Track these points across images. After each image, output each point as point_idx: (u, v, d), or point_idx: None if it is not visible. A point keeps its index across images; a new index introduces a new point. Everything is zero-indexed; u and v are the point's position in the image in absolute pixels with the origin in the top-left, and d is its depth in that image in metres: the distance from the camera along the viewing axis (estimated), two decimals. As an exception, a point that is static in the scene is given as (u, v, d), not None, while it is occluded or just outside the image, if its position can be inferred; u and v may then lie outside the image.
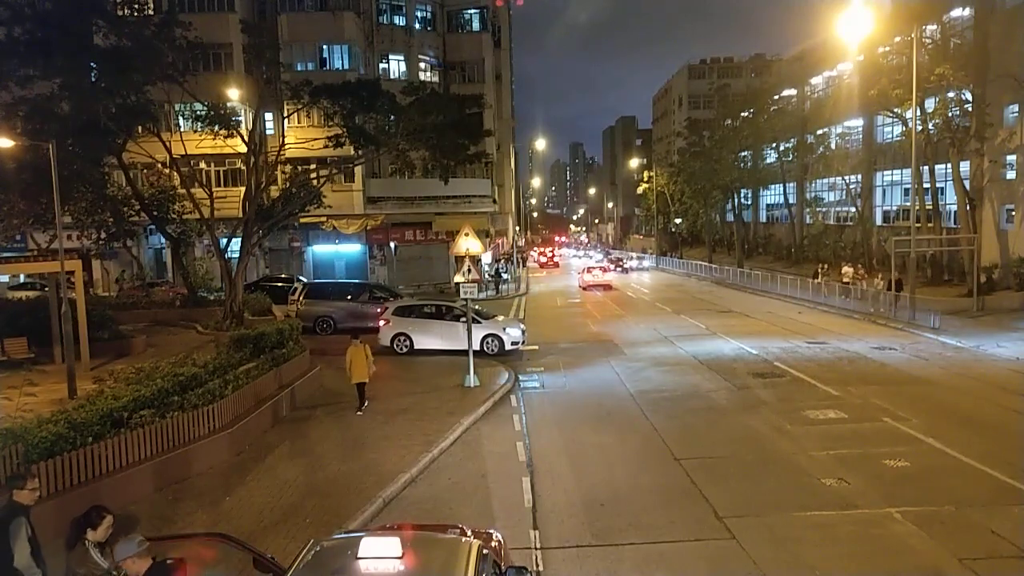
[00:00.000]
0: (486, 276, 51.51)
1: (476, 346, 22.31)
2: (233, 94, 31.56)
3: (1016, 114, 33.62)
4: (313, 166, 36.20)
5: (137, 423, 10.97)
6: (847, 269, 36.32)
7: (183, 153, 28.50)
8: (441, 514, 10.26)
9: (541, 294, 48.53)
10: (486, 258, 55.17)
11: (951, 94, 34.93)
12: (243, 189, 28.07)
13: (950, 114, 34.66)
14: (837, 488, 10.96)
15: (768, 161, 63.35)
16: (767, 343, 24.58)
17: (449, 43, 47.67)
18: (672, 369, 20.84)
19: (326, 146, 25.36)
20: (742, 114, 63.73)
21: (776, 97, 60.94)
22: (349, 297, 28.88)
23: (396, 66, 45.80)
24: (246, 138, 26.30)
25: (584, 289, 48.95)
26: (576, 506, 10.70)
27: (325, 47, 41.63)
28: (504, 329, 23.11)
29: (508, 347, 22.52)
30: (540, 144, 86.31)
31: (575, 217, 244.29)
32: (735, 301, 39.16)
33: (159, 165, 33.08)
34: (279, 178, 32.84)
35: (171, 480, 11.09)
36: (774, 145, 59.57)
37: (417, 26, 46.70)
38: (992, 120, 33.83)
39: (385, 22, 45.10)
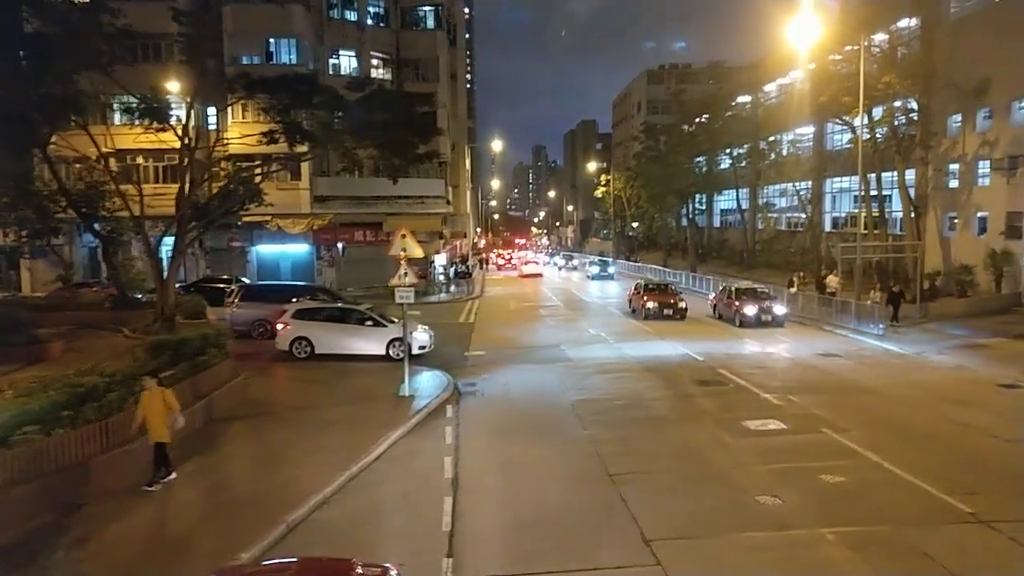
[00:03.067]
0: (439, 279, 50.87)
1: (381, 351, 21.72)
2: (169, 86, 30.28)
3: (959, 124, 34.06)
4: (259, 163, 35.14)
5: (19, 441, 10.01)
6: (832, 278, 33.19)
7: (116, 148, 27.26)
8: (349, 541, 9.54)
9: (496, 297, 47.91)
10: (440, 260, 54.40)
11: (898, 103, 35.28)
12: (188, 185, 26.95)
13: (896, 123, 34.98)
14: (772, 507, 10.51)
15: (723, 167, 63.74)
16: (714, 348, 24.30)
17: (403, 40, 46.78)
18: (617, 376, 20.38)
19: (260, 142, 24.29)
20: (697, 120, 64.04)
21: (733, 103, 61.38)
22: (291, 300, 27.79)
23: (347, 62, 44.75)
24: (179, 132, 25.18)
25: (522, 277, 62.07)
26: (498, 529, 10.07)
27: (272, 41, 40.41)
28: (410, 334, 22.34)
29: (415, 351, 21.77)
30: (497, 145, 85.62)
31: (536, 220, 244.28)
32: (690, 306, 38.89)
33: (93, 159, 31.67)
34: (221, 175, 31.69)
35: (55, 505, 10.13)
36: (728, 151, 59.94)
37: (369, 22, 45.74)
38: (936, 129, 34.27)
39: (336, 17, 44.04)
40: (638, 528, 9.86)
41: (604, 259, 68.08)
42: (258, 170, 30.87)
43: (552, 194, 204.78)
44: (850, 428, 14.33)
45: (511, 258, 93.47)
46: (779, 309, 28.89)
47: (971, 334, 25.12)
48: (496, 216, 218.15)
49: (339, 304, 24.95)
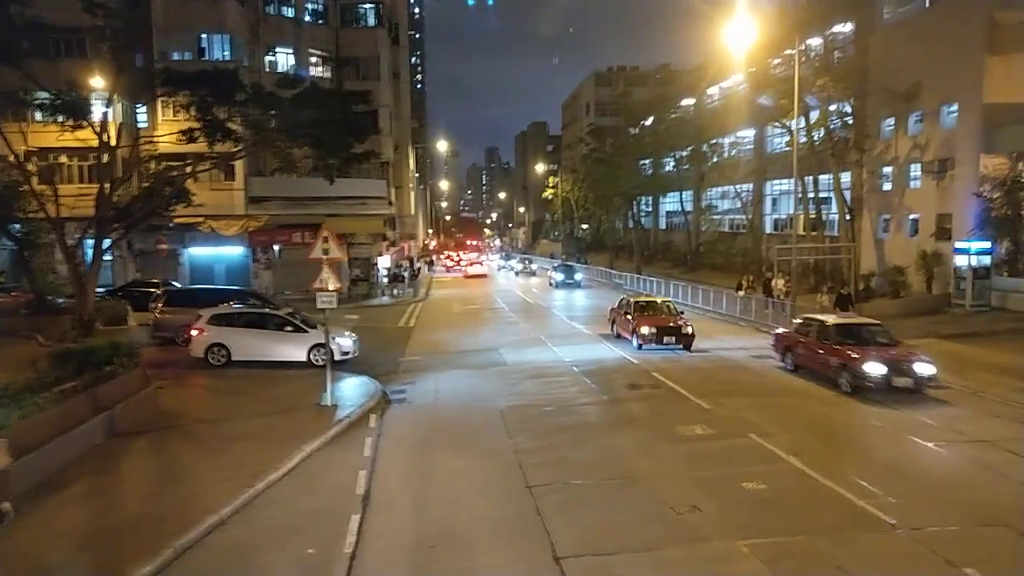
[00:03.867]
0: (383, 281, 49.99)
1: (302, 357, 21.00)
2: (92, 82, 28.92)
3: (892, 127, 34.69)
4: (189, 162, 33.94)
5: None
6: (778, 281, 32.49)
7: (37, 147, 25.91)
8: (243, 566, 8.92)
9: (441, 300, 47.32)
10: (384, 262, 53.51)
11: (833, 107, 35.83)
12: (108, 186, 25.76)
13: (831, 126, 35.50)
14: (690, 518, 10.20)
15: (667, 169, 64.22)
16: (652, 353, 24.14)
17: (342, 38, 45.83)
18: (551, 381, 20.00)
19: (179, 140, 23.32)
20: (643, 122, 64.37)
21: (677, 106, 61.89)
22: (220, 305, 26.79)
23: (284, 59, 43.66)
24: (97, 129, 24.05)
25: (466, 278, 62.39)
26: (404, 549, 9.53)
27: (204, 36, 39.11)
28: (333, 339, 21.67)
29: (338, 357, 21.12)
30: (443, 146, 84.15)
31: (488, 221, 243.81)
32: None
33: (9, 159, 30.11)
34: (147, 174, 30.45)
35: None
36: (673, 153, 60.39)
37: (308, 19, 44.70)
38: (870, 132, 34.86)
39: (272, 13, 42.91)
40: (550, 544, 9.44)
41: (569, 264, 58.56)
42: (189, 168, 29.84)
43: (502, 195, 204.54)
44: (776, 432, 14.18)
45: (460, 260, 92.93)
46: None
47: (902, 334, 25.32)
48: (448, 217, 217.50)
49: (258, 308, 23.96)
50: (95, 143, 26.63)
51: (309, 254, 17.98)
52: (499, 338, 28.35)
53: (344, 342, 21.93)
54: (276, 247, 41.80)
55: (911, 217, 33.45)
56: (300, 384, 19.03)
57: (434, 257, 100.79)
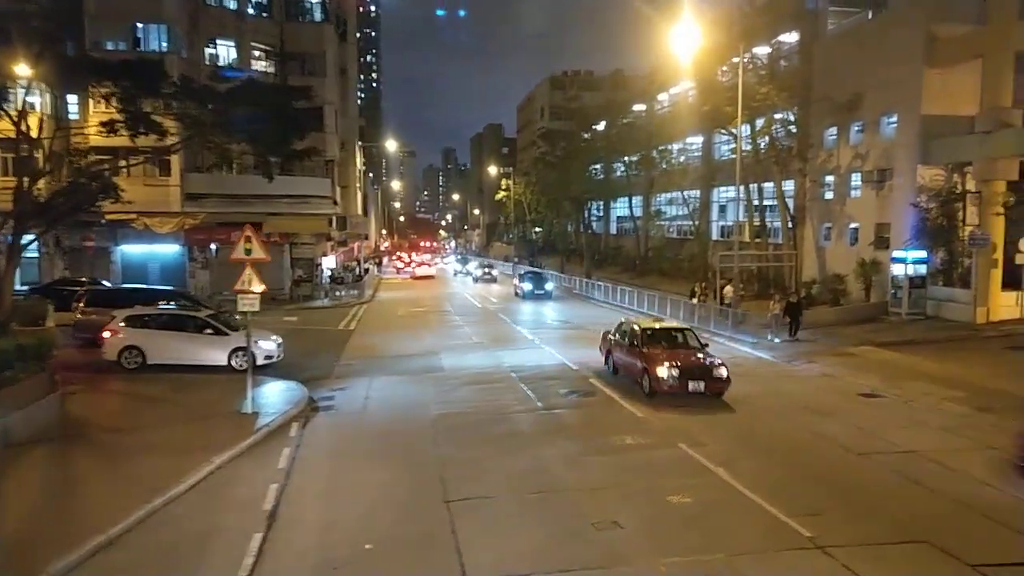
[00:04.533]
0: (326, 282, 48.92)
1: (222, 361, 20.20)
2: (11, 70, 27.47)
3: (835, 137, 35.12)
4: (121, 155, 32.60)
5: None
6: (728, 289, 31.68)
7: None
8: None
9: (386, 302, 46.51)
10: (329, 263, 52.44)
11: (779, 115, 36.14)
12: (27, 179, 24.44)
13: (776, 134, 35.79)
14: (610, 536, 9.79)
15: (618, 174, 64.38)
16: (592, 358, 23.72)
17: (288, 32, 44.66)
18: (487, 387, 19.52)
19: (100, 133, 22.25)
20: (595, 127, 64.45)
21: (629, 112, 62.11)
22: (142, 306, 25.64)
23: (226, 53, 42.34)
24: (15, 119, 22.79)
25: (414, 279, 62.11)
26: (304, 572, 8.92)
27: (140, 26, 37.70)
28: (256, 342, 20.87)
29: (261, 361, 20.37)
30: (392, 145, 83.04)
31: (444, 223, 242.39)
32: (576, 311, 38.61)
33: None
34: (73, 167, 29.10)
35: None
36: (623, 158, 60.55)
37: (251, 11, 43.45)
38: (814, 141, 35.22)
39: (214, 4, 41.54)
40: (460, 566, 8.93)
41: (539, 272, 50.67)
42: (122, 162, 28.59)
43: (457, 197, 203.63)
44: (707, 442, 13.91)
45: (411, 261, 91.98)
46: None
47: (840, 342, 25.61)
48: (402, 218, 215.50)
49: (178, 309, 22.89)
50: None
51: (231, 254, 17.18)
52: (439, 341, 27.79)
53: (267, 345, 21.13)
54: (214, 246, 40.46)
55: (851, 226, 33.87)
56: (220, 390, 18.18)
57: (386, 258, 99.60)
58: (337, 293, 45.81)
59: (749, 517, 10.41)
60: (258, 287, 16.78)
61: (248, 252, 16.87)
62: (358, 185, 58.53)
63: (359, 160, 58.05)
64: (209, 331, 20.73)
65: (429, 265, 74.26)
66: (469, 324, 33.42)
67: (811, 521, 10.04)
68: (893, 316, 28.43)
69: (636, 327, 19.46)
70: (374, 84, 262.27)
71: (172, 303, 25.52)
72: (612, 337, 20.73)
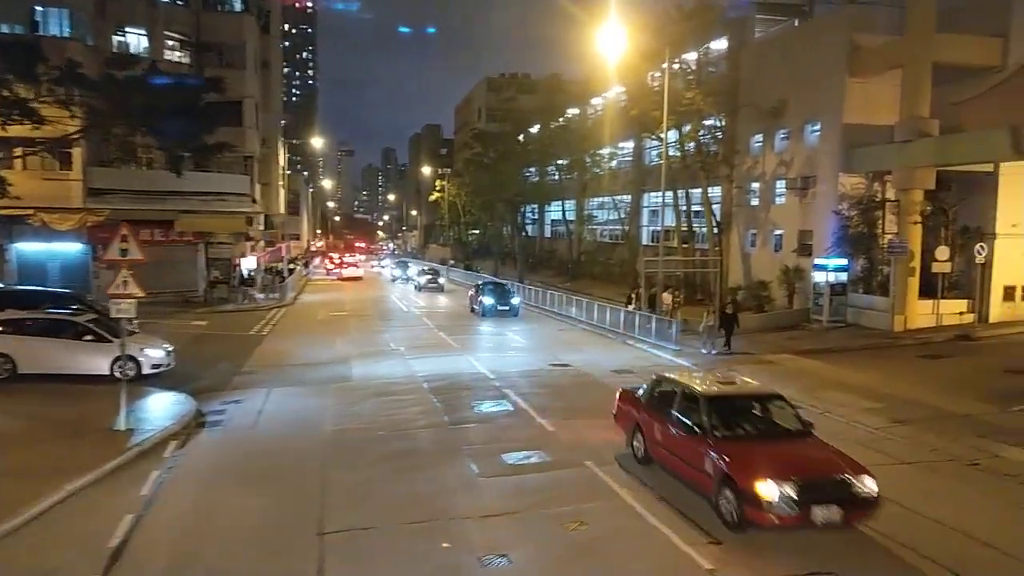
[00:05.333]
0: (247, 283, 46.84)
1: (104, 370, 18.59)
2: None
3: (761, 144, 35.18)
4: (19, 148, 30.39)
5: None
6: (665, 295, 30.49)
7: None
8: None
9: (309, 304, 44.78)
10: (248, 264, 50.26)
11: (707, 122, 36.01)
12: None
13: (702, 140, 35.65)
14: (494, 573, 8.85)
15: (551, 177, 63.97)
16: (511, 365, 23.01)
17: (204, 22, 42.50)
18: (394, 399, 18.40)
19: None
20: (529, 129, 63.85)
21: (563, 115, 61.74)
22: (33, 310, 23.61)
23: (137, 41, 39.98)
24: None
25: (341, 280, 60.58)
26: (133, 625, 7.71)
27: (39, 9, 35.21)
28: (141, 350, 19.38)
29: (148, 371, 18.91)
30: (318, 142, 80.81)
31: (380, 223, 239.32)
32: (503, 317, 37.43)
33: None
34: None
35: None
36: (557, 162, 60.13)
37: (165, -1, 41.26)
38: (740, 148, 35.21)
39: (123, -12, 39.25)
40: (318, 614, 7.85)
41: (501, 283, 45.68)
42: (17, 152, 26.50)
43: (393, 197, 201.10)
44: (614, 460, 13.13)
45: (342, 262, 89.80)
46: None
47: (761, 349, 25.38)
48: (337, 218, 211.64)
49: (53, 313, 20.97)
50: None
51: (103, 256, 15.67)
52: (353, 348, 26.51)
53: (155, 353, 19.56)
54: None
55: (776, 232, 33.94)
56: (97, 403, 16.55)
57: (318, 259, 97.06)
58: (253, 296, 43.66)
59: (648, 545, 9.64)
60: (136, 290, 15.24)
61: (124, 253, 15.46)
62: (281, 183, 56.48)
63: (283, 157, 55.99)
64: (89, 337, 19.03)
65: (357, 266, 72.48)
66: (391, 330, 32.21)
67: (713, 551, 9.35)
68: (815, 323, 28.45)
69: (692, 389, 11.65)
70: (310, 81, 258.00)
71: (57, 307, 23.63)
72: (638, 404, 13.17)
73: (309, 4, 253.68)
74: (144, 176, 37.61)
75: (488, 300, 36.99)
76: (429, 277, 54.26)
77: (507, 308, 36.76)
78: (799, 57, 31.97)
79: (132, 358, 19.04)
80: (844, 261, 28.33)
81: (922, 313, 27.08)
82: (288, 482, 12.30)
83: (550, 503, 11.13)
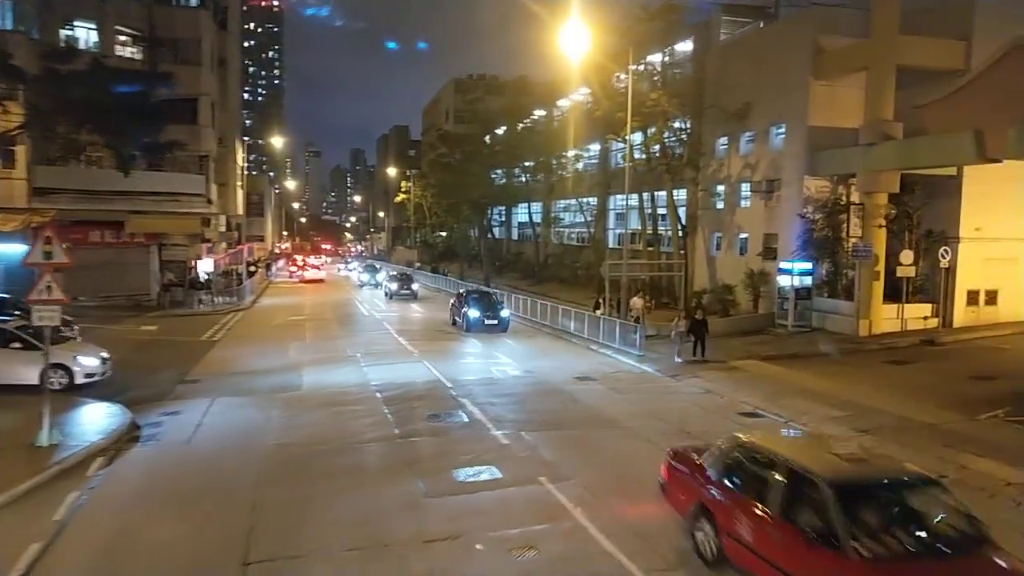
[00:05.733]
0: (203, 287, 45.44)
1: (33, 380, 17.45)
2: None
3: (726, 146, 34.86)
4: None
5: None
6: (636, 300, 29.31)
7: None
8: None
9: (267, 308, 43.56)
10: (205, 266, 48.83)
11: (674, 124, 35.59)
12: None
13: (667, 142, 35.23)
14: (431, 608, 8.10)
15: (518, 179, 63.35)
16: (469, 372, 22.28)
17: (158, 17, 41.10)
18: (344, 410, 17.54)
19: None
20: (497, 131, 63.19)
21: (529, 116, 61.18)
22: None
23: (86, 35, 38.55)
24: None
25: (303, 282, 61.44)
26: None
27: (-21, 0, 33.71)
28: (74, 358, 18.31)
29: (81, 380, 17.90)
30: (278, 142, 79.29)
31: (347, 225, 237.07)
32: (491, 332, 35.28)
33: None
34: None
35: None
36: (523, 164, 59.55)
37: (115, -9, 39.80)
38: (705, 150, 34.84)
39: (72, -19, 37.78)
40: (229, 662, 7.02)
41: (487, 292, 39.86)
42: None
43: (358, 199, 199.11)
44: (571, 475, 12.45)
45: (304, 263, 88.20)
46: None
47: (726, 355, 24.90)
48: (303, 220, 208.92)
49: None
50: None
51: (27, 258, 14.64)
52: (306, 355, 25.54)
53: (88, 361, 18.50)
54: (65, 247, 36.60)
55: (741, 236, 33.64)
56: (24, 416, 15.40)
57: (282, 261, 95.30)
58: (209, 299, 42.30)
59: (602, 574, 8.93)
60: (59, 296, 14.21)
61: (48, 256, 14.38)
62: (240, 183, 55.05)
63: (241, 156, 54.56)
64: (17, 345, 17.90)
65: (319, 268, 72.00)
66: (348, 335, 31.29)
67: (669, 580, 8.65)
68: (779, 328, 28.11)
69: (803, 466, 7.99)
70: (276, 81, 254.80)
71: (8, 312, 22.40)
72: (709, 470, 9.42)
73: (276, 3, 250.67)
74: (93, 175, 36.25)
75: (473, 312, 31.81)
76: (400, 283, 49.20)
77: (495, 322, 31.83)
78: (764, 59, 31.70)
79: (63, 367, 18.04)
80: (809, 265, 28.06)
81: (887, 317, 26.86)
82: (218, 504, 11.41)
83: (498, 525, 10.40)
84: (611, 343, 27.05)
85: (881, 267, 26.51)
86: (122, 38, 40.21)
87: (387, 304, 44.99)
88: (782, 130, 30.93)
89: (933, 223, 27.63)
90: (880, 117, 26.24)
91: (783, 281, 28.27)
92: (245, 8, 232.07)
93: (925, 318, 27.28)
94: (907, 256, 25.94)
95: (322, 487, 12.09)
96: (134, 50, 41.73)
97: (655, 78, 35.95)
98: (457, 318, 33.54)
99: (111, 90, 24.55)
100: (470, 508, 11.12)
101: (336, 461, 13.55)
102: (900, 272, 25.96)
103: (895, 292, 26.87)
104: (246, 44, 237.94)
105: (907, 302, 26.98)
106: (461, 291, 37.42)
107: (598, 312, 29.65)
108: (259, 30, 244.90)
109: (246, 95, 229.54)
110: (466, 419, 16.49)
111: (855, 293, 26.81)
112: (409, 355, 25.68)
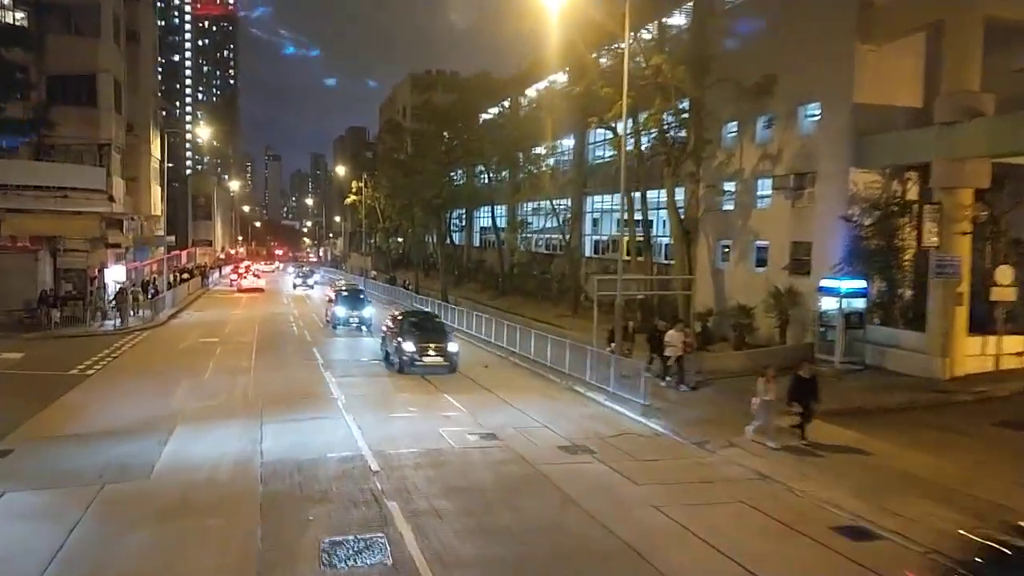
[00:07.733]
0: (107, 300, 37.61)
1: None
2: None
3: (735, 134, 28.47)
4: None
5: None
6: (673, 334, 20.55)
7: None
8: None
9: (180, 327, 36.23)
10: (116, 275, 40.95)
11: (679, 107, 28.90)
12: None
13: (665, 125, 28.62)
14: None
15: (480, 179, 56.59)
16: (408, 436, 15.50)
17: (45, -24, 33.86)
18: (188, 529, 10.64)
19: None
20: (457, 125, 56.44)
21: (492, 110, 54.69)
22: None
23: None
24: None
25: (239, 291, 56.25)
26: None
27: None
28: None
29: None
30: (204, 133, 71.34)
31: (304, 229, 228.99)
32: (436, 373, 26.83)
33: None
34: None
35: None
36: (485, 161, 52.81)
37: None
38: (711, 136, 28.37)
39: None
40: None
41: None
42: None
43: (310, 202, 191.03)
44: None
45: (246, 270, 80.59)
46: None
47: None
48: (258, 223, 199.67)
49: None
50: None
51: None
52: (191, 403, 18.41)
53: None
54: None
55: (758, 244, 27.17)
56: None
57: (230, 267, 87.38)
58: (111, 313, 35.24)
59: None
60: None
61: None
62: (156, 180, 47.30)
63: (156, 148, 46.79)
64: None
65: (259, 276, 64.43)
66: (265, 366, 24.28)
67: None
68: (823, 364, 21.13)
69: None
70: (231, 81, 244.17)
71: None
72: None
73: (231, 1, 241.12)
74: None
75: (409, 346, 22.52)
76: (350, 306, 34.61)
77: (441, 359, 22.63)
78: (790, 19, 25.28)
79: None
80: (863, 283, 21.44)
81: (971, 355, 20.17)
82: None
83: None
84: (604, 385, 20.25)
85: (965, 287, 20.01)
86: (5, 1, 33.19)
87: (327, 325, 36.75)
88: (815, 110, 24.57)
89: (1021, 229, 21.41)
90: (963, 87, 19.84)
91: (827, 304, 21.65)
92: (198, 5, 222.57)
93: (1019, 354, 20.85)
94: (1005, 274, 19.56)
95: None
96: (21, 14, 34.85)
97: (651, 43, 29.36)
98: (391, 352, 23.97)
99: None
100: None
101: None
102: (995, 295, 19.59)
103: (979, 321, 20.50)
104: (200, 43, 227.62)
105: (999, 333, 20.55)
106: (397, 314, 27.32)
107: (609, 349, 21.60)
108: (213, 28, 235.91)
109: (200, 95, 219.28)
110: (389, 562, 9.49)
111: (929, 321, 20.27)
112: (330, 404, 18.68)
